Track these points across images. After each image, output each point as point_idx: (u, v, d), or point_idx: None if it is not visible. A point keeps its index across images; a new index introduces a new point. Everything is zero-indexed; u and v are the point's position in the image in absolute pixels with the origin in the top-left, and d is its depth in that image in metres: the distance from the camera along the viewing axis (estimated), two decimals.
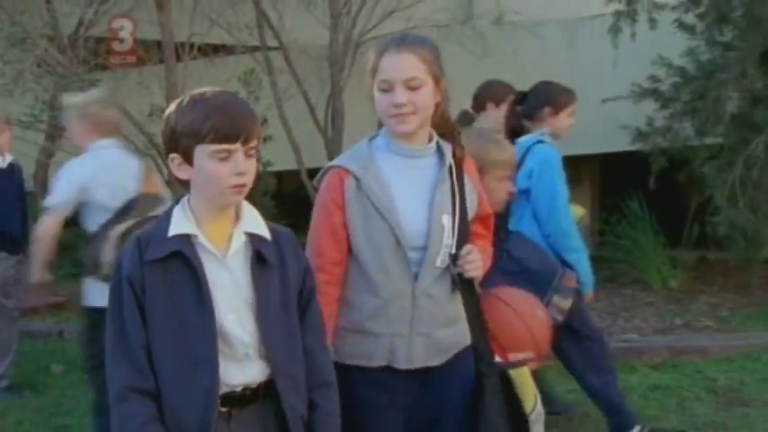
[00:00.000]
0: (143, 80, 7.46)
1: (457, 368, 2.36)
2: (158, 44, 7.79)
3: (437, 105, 2.31)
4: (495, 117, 4.28)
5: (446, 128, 2.38)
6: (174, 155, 1.94)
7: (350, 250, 2.30)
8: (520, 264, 3.58)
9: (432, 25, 7.85)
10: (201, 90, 1.97)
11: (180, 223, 1.95)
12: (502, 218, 3.62)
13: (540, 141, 3.86)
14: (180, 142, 1.92)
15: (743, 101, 6.07)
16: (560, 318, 3.58)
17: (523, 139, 3.91)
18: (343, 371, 2.19)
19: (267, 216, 6.28)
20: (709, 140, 6.33)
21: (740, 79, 5.82)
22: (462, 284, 2.34)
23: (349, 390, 2.17)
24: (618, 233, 7.68)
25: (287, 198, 8.50)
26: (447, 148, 2.36)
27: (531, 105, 3.99)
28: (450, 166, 2.34)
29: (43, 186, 9.51)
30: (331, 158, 3.31)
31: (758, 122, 6.04)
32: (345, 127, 8.24)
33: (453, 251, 2.30)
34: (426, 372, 2.32)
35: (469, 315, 2.37)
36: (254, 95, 7.42)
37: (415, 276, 2.27)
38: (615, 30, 6.02)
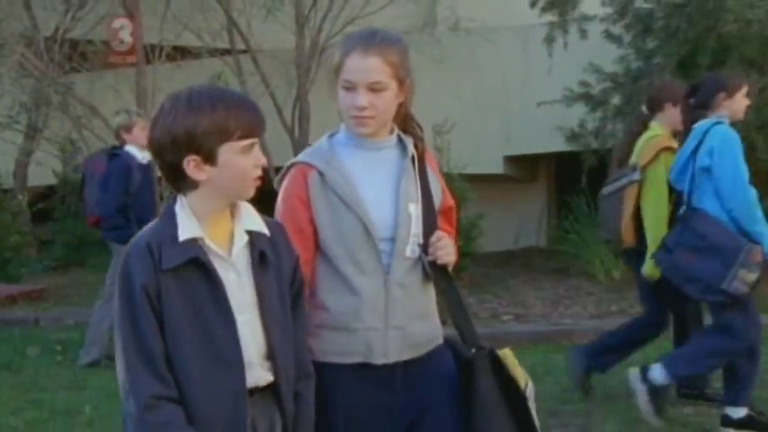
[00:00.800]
0: (114, 84, 7.85)
1: (434, 361, 2.33)
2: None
3: (400, 105, 2.28)
4: (672, 116, 4.43)
5: (408, 124, 2.36)
6: (191, 156, 1.85)
7: (317, 247, 2.25)
8: (705, 239, 3.85)
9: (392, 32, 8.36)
10: (193, 89, 1.90)
11: (188, 227, 1.89)
12: (680, 196, 4.08)
13: (718, 123, 4.06)
14: (203, 143, 1.84)
15: None
16: (745, 289, 3.81)
17: (701, 123, 4.08)
18: (319, 368, 2.17)
19: None
20: None
21: None
22: (436, 272, 2.30)
23: (327, 387, 2.18)
24: (566, 228, 8.17)
25: (254, 195, 8.91)
26: (408, 141, 2.33)
27: (704, 95, 4.14)
28: (413, 157, 2.32)
29: (23, 183, 9.94)
30: None
31: None
32: (311, 127, 8.70)
33: (421, 241, 2.27)
34: (403, 366, 2.28)
35: (449, 301, 2.33)
36: None
37: (387, 268, 2.23)
38: (549, 39, 6.49)
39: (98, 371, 5.46)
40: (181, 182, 1.89)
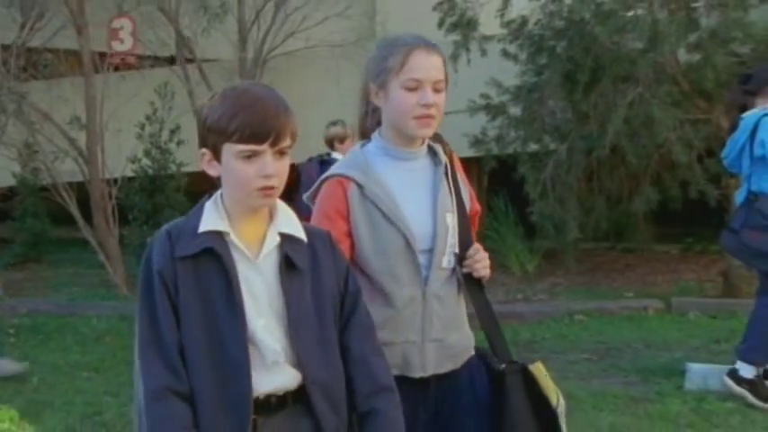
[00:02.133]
0: (62, 93, 8.46)
1: (466, 374, 2.28)
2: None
3: None
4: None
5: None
6: (204, 150, 1.83)
7: (353, 260, 2.17)
8: None
9: (327, 45, 9.10)
10: (236, 84, 1.88)
11: (211, 219, 1.83)
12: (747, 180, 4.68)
13: (766, 114, 4.54)
14: (209, 138, 1.80)
15: (551, 116, 7.44)
16: None
17: (748, 114, 4.60)
18: None
19: (182, 211, 7.68)
20: (532, 148, 7.65)
21: (546, 99, 7.18)
22: (470, 285, 2.26)
23: None
24: (486, 225, 8.93)
25: (200, 195, 9.57)
26: (438, 149, 2.30)
27: (755, 83, 4.67)
28: (446, 165, 2.29)
29: None
30: None
31: (564, 132, 7.43)
32: None
33: (457, 251, 2.24)
34: (439, 379, 2.24)
35: (482, 315, 2.29)
36: (168, 105, 8.47)
37: (425, 280, 2.20)
38: (455, 56, 7.27)
39: (46, 350, 6.11)
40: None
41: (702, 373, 4.89)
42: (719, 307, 6.84)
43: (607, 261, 9.07)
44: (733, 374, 4.64)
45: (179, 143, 8.58)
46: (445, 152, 2.31)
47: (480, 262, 2.24)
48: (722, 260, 7.44)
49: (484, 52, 7.41)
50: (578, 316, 6.86)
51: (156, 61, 9.39)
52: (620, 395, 4.80)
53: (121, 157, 8.36)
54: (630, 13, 6.78)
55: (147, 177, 8.61)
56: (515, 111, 7.59)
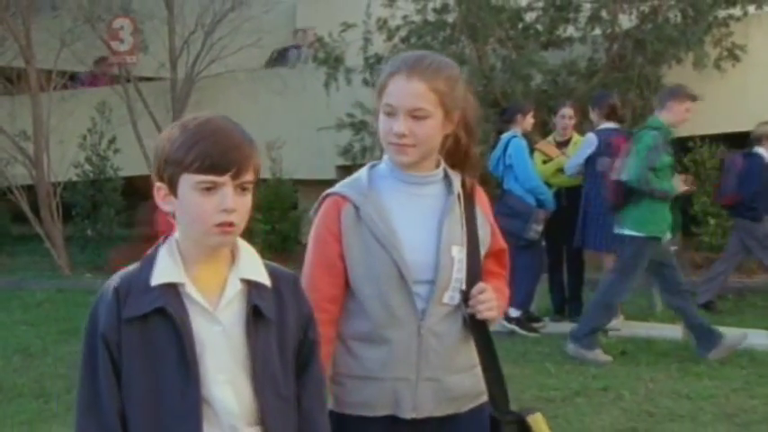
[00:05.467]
0: (12, 109, 10.08)
1: (469, 421, 2.14)
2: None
3: (446, 136, 2.10)
4: None
5: (459, 157, 2.16)
6: (159, 184, 1.68)
7: (347, 285, 2.07)
8: None
9: (243, 69, 10.82)
10: (196, 114, 1.71)
11: (166, 269, 1.67)
12: None
13: (514, 136, 6.35)
14: (165, 170, 1.66)
15: None
16: None
17: (503, 136, 6.44)
18: (342, 422, 2.03)
19: (117, 209, 9.81)
20: None
21: None
22: (474, 326, 2.11)
23: None
24: None
25: (136, 195, 11.20)
26: (456, 177, 2.15)
27: (508, 115, 6.60)
28: (459, 195, 2.13)
29: None
30: None
31: None
32: None
33: (464, 287, 2.08)
34: (437, 424, 2.09)
35: (483, 360, 2.14)
36: (106, 118, 10.13)
37: (422, 313, 2.05)
38: (327, 84, 9.04)
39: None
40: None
41: None
42: None
43: None
44: (505, 315, 6.31)
45: (116, 151, 10.23)
46: (466, 183, 2.16)
47: (485, 303, 2.08)
48: None
49: (349, 81, 9.12)
50: None
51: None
52: None
53: (66, 163, 9.96)
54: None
55: (88, 180, 10.20)
56: (377, 126, 9.23)
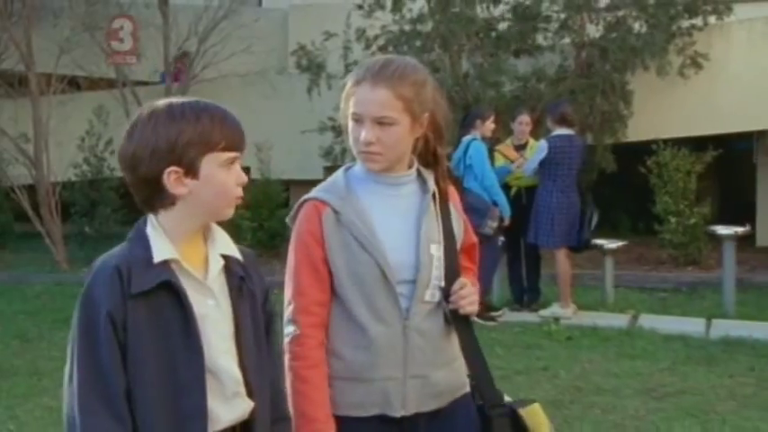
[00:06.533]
0: (14, 113, 10.58)
1: (456, 413, 2.17)
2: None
3: (417, 140, 2.13)
4: None
5: (430, 158, 2.19)
6: (172, 168, 1.69)
7: (332, 289, 2.09)
8: None
9: (235, 75, 11.35)
10: (172, 101, 1.75)
11: (162, 247, 1.71)
12: None
13: (474, 139, 6.83)
14: (186, 153, 1.69)
15: None
16: None
17: (464, 139, 6.87)
18: (340, 423, 2.06)
19: (113, 207, 10.42)
20: None
21: None
22: (457, 322, 2.14)
23: None
24: None
25: (131, 194, 11.79)
26: (429, 176, 2.18)
27: (469, 120, 7.07)
28: (434, 194, 2.16)
29: None
30: None
31: None
32: None
33: (442, 284, 2.12)
34: (426, 419, 2.13)
35: (468, 354, 2.17)
36: (104, 121, 10.67)
37: (406, 313, 2.08)
38: (310, 90, 9.57)
39: None
40: (156, 199, 1.73)
41: None
42: None
43: None
44: None
45: (112, 152, 10.77)
46: (438, 180, 2.19)
47: (467, 298, 2.12)
48: None
49: (330, 86, 9.63)
50: None
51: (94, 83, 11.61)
52: None
53: (65, 163, 10.52)
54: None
55: (86, 180, 10.76)
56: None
